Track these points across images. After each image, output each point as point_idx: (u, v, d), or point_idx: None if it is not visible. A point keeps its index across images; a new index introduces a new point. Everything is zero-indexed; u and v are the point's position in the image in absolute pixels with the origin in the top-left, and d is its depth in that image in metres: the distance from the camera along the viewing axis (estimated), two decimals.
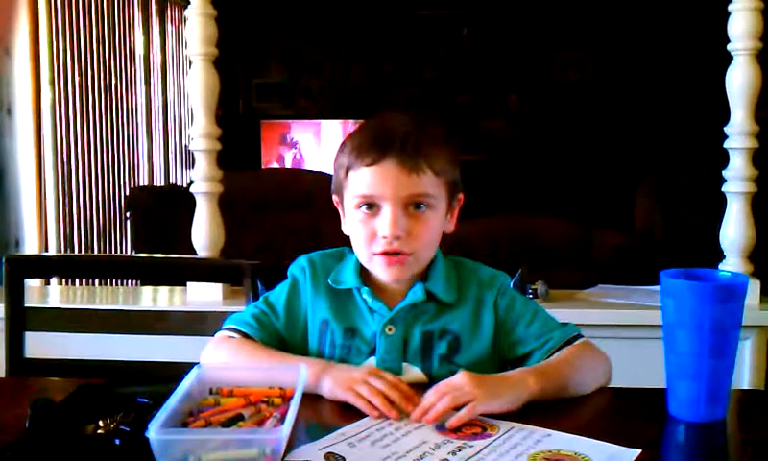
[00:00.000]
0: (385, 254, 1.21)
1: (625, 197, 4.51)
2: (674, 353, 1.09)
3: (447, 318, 1.25)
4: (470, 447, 0.97)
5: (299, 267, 1.31)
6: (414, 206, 1.20)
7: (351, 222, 1.25)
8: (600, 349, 1.25)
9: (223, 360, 1.22)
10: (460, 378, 1.09)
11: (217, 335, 1.28)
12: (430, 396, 1.07)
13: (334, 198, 1.30)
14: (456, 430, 1.02)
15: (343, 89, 6.81)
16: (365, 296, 1.26)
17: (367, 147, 1.20)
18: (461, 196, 1.30)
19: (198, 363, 1.13)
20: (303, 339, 1.29)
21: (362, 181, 1.21)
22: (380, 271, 1.23)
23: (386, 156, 1.18)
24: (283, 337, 1.28)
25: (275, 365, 1.17)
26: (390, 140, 1.19)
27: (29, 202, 3.42)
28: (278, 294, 1.31)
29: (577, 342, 1.24)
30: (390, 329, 1.24)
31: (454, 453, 0.95)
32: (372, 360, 1.23)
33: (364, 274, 1.27)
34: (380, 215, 1.20)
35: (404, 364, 1.23)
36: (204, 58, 2.30)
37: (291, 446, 0.94)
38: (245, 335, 1.26)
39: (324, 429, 1.02)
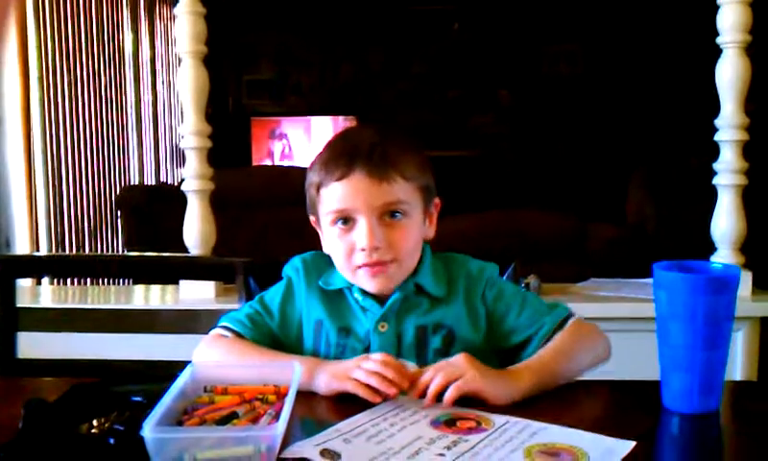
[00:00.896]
0: (367, 265, 1.21)
1: (617, 190, 4.51)
2: (667, 346, 1.09)
3: (440, 312, 1.26)
4: (466, 441, 0.97)
5: (292, 268, 1.31)
6: (389, 214, 1.21)
7: (329, 239, 1.25)
8: (593, 324, 1.26)
9: (214, 358, 1.23)
10: (457, 358, 1.12)
11: (210, 333, 1.29)
12: (427, 374, 1.09)
13: (311, 218, 1.30)
14: (451, 425, 1.02)
15: (333, 86, 6.81)
16: (356, 294, 1.26)
17: (335, 162, 1.21)
18: (437, 201, 1.31)
19: (191, 361, 1.12)
20: (298, 339, 1.29)
21: (334, 195, 1.21)
22: (366, 283, 1.24)
23: (354, 168, 1.19)
24: (277, 337, 1.29)
25: (269, 362, 1.18)
26: (356, 152, 1.20)
27: (19, 202, 3.41)
28: (273, 294, 1.31)
29: (569, 323, 1.24)
30: (383, 326, 1.24)
31: (449, 448, 0.95)
32: None
33: None
34: (356, 228, 1.21)
35: (399, 360, 1.23)
36: (193, 55, 2.30)
37: (286, 442, 0.94)
38: (237, 334, 1.26)
39: (318, 426, 1.02)
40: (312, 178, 1.25)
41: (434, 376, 1.08)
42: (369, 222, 1.20)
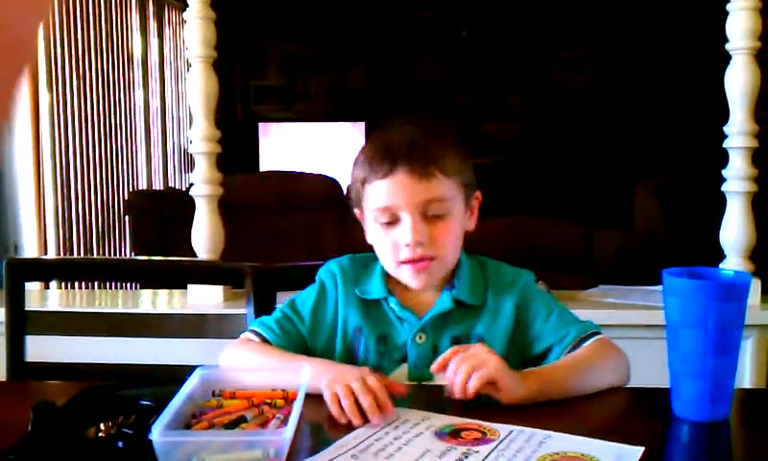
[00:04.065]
0: (411, 261, 1.24)
1: (626, 197, 4.51)
2: (677, 352, 1.09)
3: (475, 322, 1.28)
4: (476, 452, 0.96)
5: (328, 273, 1.33)
6: (432, 211, 1.23)
7: (374, 234, 1.28)
8: (618, 347, 1.25)
9: (236, 362, 1.24)
10: (476, 346, 1.14)
11: (241, 336, 1.30)
12: (450, 368, 1.10)
13: (356, 211, 1.33)
14: (456, 436, 1.01)
15: (342, 92, 6.81)
16: (392, 305, 1.28)
17: (378, 160, 1.24)
18: (478, 194, 1.34)
19: (199, 365, 1.12)
20: (330, 344, 1.29)
21: (378, 193, 1.24)
22: (409, 279, 1.26)
23: (397, 166, 1.22)
24: (307, 342, 1.29)
25: (278, 366, 1.18)
26: (398, 151, 1.23)
27: (28, 206, 3.42)
28: (305, 298, 1.32)
29: (593, 339, 1.24)
30: (420, 338, 1.26)
31: (461, 460, 0.94)
32: (405, 367, 1.26)
33: (390, 282, 1.29)
34: (400, 225, 1.24)
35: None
36: (202, 60, 2.30)
37: (294, 447, 0.93)
38: (264, 339, 1.27)
39: (327, 431, 1.02)
40: (357, 173, 1.28)
41: (457, 368, 1.09)
42: (412, 219, 1.22)
